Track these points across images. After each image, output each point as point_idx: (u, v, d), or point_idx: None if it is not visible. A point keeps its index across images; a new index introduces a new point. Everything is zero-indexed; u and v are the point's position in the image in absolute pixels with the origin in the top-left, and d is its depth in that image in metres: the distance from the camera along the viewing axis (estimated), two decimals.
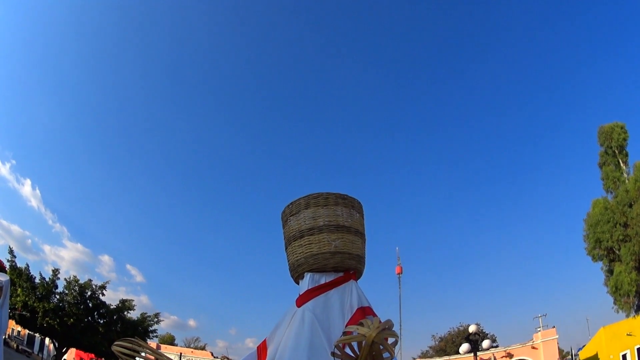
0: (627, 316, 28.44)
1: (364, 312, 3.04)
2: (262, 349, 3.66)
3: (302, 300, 3.34)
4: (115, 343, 3.70)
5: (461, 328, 54.31)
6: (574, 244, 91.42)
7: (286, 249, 3.47)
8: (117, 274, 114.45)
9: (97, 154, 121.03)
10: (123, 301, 29.40)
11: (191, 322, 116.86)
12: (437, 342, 57.50)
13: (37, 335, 55.34)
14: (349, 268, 3.30)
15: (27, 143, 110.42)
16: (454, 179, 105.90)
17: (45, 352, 52.80)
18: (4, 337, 13.38)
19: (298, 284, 3.47)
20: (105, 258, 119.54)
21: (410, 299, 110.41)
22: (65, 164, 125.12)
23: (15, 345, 48.29)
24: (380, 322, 2.11)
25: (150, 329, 30.01)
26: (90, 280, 28.26)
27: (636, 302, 27.21)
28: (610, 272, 28.05)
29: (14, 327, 55.60)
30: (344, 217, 3.29)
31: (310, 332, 3.24)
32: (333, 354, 2.45)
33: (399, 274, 55.30)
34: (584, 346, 49.53)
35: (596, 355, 43.26)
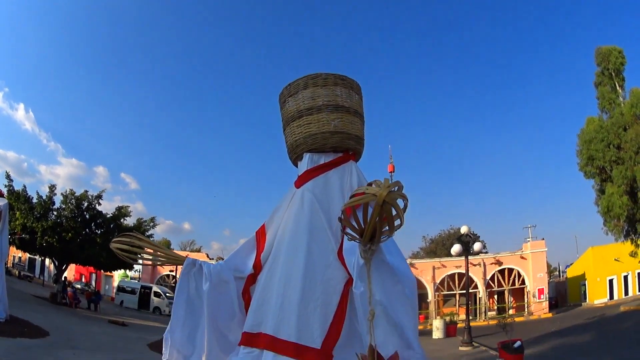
0: (616, 240, 28.78)
1: None
2: (260, 234, 3.65)
3: (301, 181, 3.31)
4: (114, 240, 3.67)
5: (451, 231, 55.76)
6: (566, 159, 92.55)
7: (284, 130, 3.41)
8: (112, 184, 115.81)
9: (86, 66, 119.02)
10: (119, 208, 29.24)
11: (186, 226, 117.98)
12: (427, 244, 59.03)
13: (37, 258, 56.19)
14: (348, 149, 3.25)
15: (18, 67, 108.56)
16: (450, 84, 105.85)
17: (46, 274, 53.51)
18: (4, 266, 13.62)
19: (297, 166, 3.43)
20: (100, 169, 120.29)
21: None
22: (56, 81, 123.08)
23: (16, 272, 48.15)
24: (390, 181, 2.02)
25: (147, 234, 30.17)
26: (86, 191, 28.05)
27: (625, 227, 27.43)
28: (601, 191, 28.08)
29: (14, 253, 56.20)
30: (343, 98, 3.21)
31: (310, 213, 3.22)
32: (339, 219, 2.40)
33: (391, 172, 55.78)
34: (571, 264, 50.84)
35: (583, 275, 44.47)
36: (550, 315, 37.96)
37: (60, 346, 11.87)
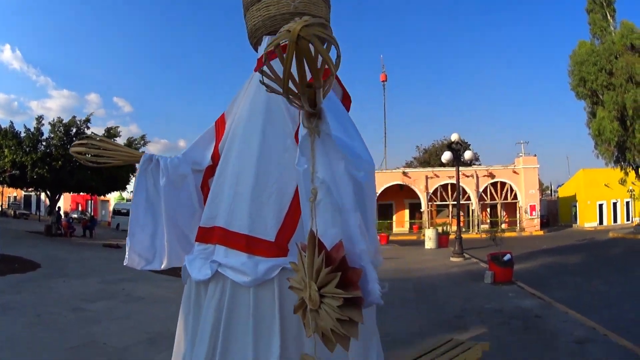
0: (606, 165, 29.24)
1: None
2: (220, 123, 3.51)
3: (259, 65, 3.05)
4: (72, 145, 3.52)
5: (445, 141, 54.72)
6: (560, 78, 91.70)
7: (245, 16, 3.20)
8: (105, 109, 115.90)
9: None
10: (108, 129, 28.85)
11: (181, 143, 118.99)
12: (421, 154, 58.83)
13: (32, 194, 56.36)
14: None
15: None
16: None
17: (42, 209, 53.72)
18: None
19: (257, 51, 3.21)
20: (92, 96, 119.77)
21: (395, 109, 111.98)
22: (40, 12, 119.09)
23: (12, 212, 48.70)
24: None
25: None
26: (74, 117, 27.70)
27: (615, 153, 27.70)
28: (593, 114, 28.37)
29: (10, 193, 56.42)
30: None
31: (267, 94, 2.96)
32: (260, 71, 1.92)
33: (383, 81, 55.29)
34: (563, 184, 51.40)
35: (574, 196, 45.07)
36: (541, 233, 38.65)
37: (51, 276, 12.19)
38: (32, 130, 25.86)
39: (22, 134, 25.83)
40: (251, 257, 3.01)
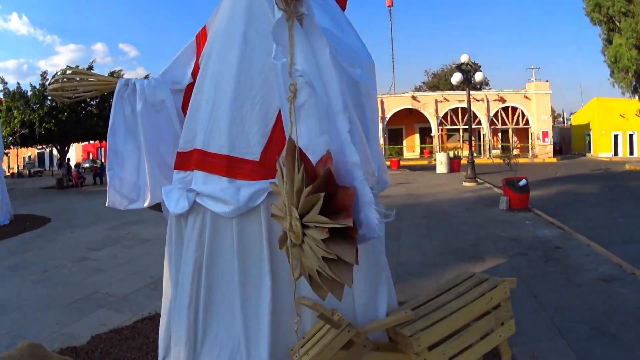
0: (623, 94, 28.07)
1: None
2: (201, 36, 3.10)
3: None
4: (49, 84, 3.12)
5: (454, 65, 53.74)
6: (572, 2, 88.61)
7: None
8: (112, 56, 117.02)
9: None
10: (111, 73, 28.44)
11: None
12: (430, 78, 57.71)
13: (45, 151, 56.61)
14: None
15: None
16: None
17: (55, 164, 54.41)
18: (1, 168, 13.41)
19: None
20: (98, 46, 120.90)
21: (403, 34, 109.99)
22: None
23: (27, 172, 49.43)
24: None
25: None
26: (77, 67, 27.02)
27: (633, 83, 26.50)
28: (608, 41, 26.96)
29: (24, 154, 57.02)
30: None
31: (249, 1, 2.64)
32: None
33: (389, 6, 53.35)
34: (576, 112, 50.23)
35: (588, 125, 43.98)
36: (554, 160, 37.89)
37: (60, 229, 12.14)
38: (37, 87, 25.47)
39: (29, 93, 25.60)
40: (233, 181, 2.62)
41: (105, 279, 7.07)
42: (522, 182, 12.26)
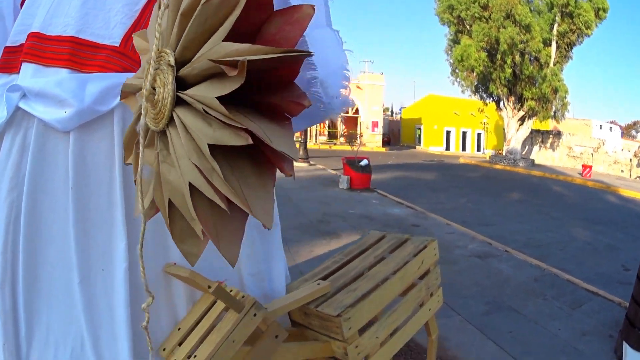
0: (463, 92, 30.06)
1: None
2: None
3: None
4: None
5: None
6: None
7: None
8: None
9: None
10: None
11: None
12: None
13: None
14: None
15: None
16: None
17: None
18: None
19: None
20: None
21: None
22: None
23: None
24: None
25: None
26: None
27: (476, 82, 28.50)
28: (455, 41, 28.80)
29: None
30: None
31: None
32: None
33: None
34: (407, 106, 53.49)
35: (420, 119, 46.89)
36: (384, 149, 39.10)
37: None
38: None
39: None
40: (75, 73, 1.61)
41: None
42: (364, 162, 12.15)
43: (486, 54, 26.77)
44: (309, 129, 41.33)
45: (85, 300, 1.81)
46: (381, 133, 42.66)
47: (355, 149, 14.59)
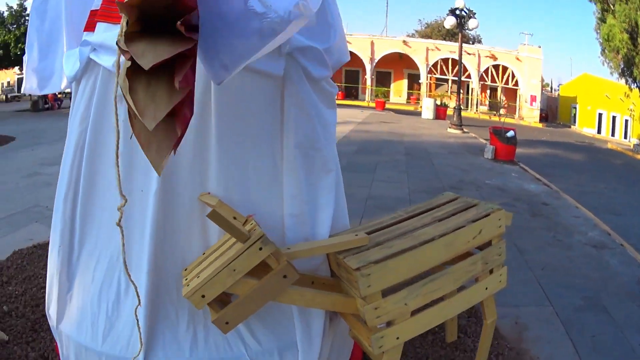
0: (611, 74, 27.32)
1: None
2: None
3: None
4: None
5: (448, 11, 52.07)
6: None
7: None
8: None
9: None
10: None
11: None
12: (423, 27, 55.45)
13: (24, 76, 54.80)
14: None
15: None
16: None
17: None
18: None
19: None
20: None
21: None
22: None
23: (4, 97, 47.04)
24: None
25: None
26: None
27: (622, 65, 25.72)
28: (602, 20, 26.24)
29: (2, 80, 54.91)
30: None
31: None
32: None
33: None
34: (564, 83, 49.58)
35: (575, 98, 43.37)
36: (540, 125, 37.12)
37: (22, 147, 11.35)
38: (14, 7, 24.87)
39: (5, 14, 24.91)
40: None
41: (50, 193, 6.28)
42: (510, 133, 11.46)
43: (628, 35, 24.03)
44: (469, 98, 40.82)
45: (125, 218, 1.92)
46: (539, 108, 40.09)
47: (501, 119, 13.83)
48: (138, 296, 1.81)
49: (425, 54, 39.64)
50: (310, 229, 2.14)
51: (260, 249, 1.77)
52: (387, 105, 30.98)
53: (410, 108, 34.91)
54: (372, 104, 32.23)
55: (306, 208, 2.13)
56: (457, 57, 19.35)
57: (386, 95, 39.76)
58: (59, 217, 2.29)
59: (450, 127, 17.94)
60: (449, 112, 23.47)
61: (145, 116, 1.08)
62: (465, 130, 17.89)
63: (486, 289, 2.28)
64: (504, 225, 2.29)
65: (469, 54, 38.14)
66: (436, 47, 39.99)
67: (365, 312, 1.88)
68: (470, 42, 40.19)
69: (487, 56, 39.74)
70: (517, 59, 39.22)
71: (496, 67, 39.95)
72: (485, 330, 2.47)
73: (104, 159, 2.18)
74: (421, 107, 26.72)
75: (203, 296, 1.80)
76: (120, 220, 1.55)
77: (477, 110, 37.02)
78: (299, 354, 2.11)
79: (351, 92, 39.75)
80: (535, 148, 16.75)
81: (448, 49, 38.49)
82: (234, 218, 1.96)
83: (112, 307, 2.12)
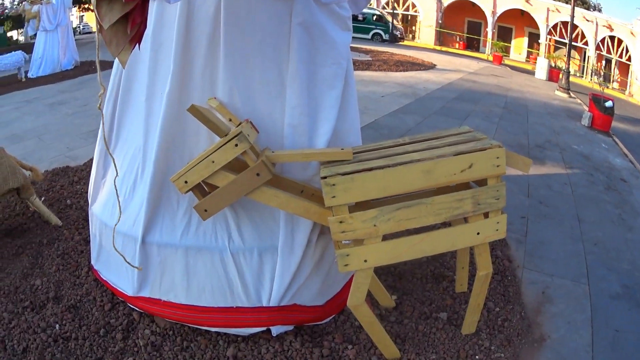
0: None
1: None
2: None
3: None
4: None
5: None
6: None
7: None
8: None
9: None
10: None
11: None
12: None
13: None
14: None
15: None
16: None
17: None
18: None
19: None
20: None
21: None
22: None
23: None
24: None
25: None
26: None
27: None
28: None
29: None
30: None
31: None
32: None
33: None
34: None
35: None
36: None
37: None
38: None
39: None
40: None
41: None
42: (609, 103, 10.70)
43: None
44: (585, 66, 37.75)
45: (146, 114, 2.37)
46: None
47: (602, 88, 12.87)
48: (116, 168, 2.04)
49: (546, 14, 37.56)
50: (307, 140, 2.20)
51: (236, 145, 1.89)
52: (505, 61, 29.74)
53: (528, 67, 33.23)
54: (491, 58, 31.10)
55: (305, 120, 2.19)
56: (577, 22, 18.09)
57: (506, 50, 38.01)
58: (108, 111, 2.62)
59: (557, 90, 17.26)
60: (561, 75, 22.32)
61: (104, 20, 1.42)
62: (572, 95, 17.04)
63: (478, 234, 2.12)
64: (503, 166, 2.09)
65: (587, 20, 35.66)
66: (557, 9, 37.58)
67: (330, 223, 1.95)
68: (591, 9, 37.42)
69: (604, 25, 36.67)
70: (632, 33, 35.76)
71: (612, 38, 36.82)
72: (477, 282, 2.29)
73: (138, 69, 2.43)
74: (535, 66, 25.52)
75: (186, 182, 1.98)
76: (100, 105, 1.73)
77: (591, 79, 34.53)
78: (278, 259, 2.22)
79: (472, 43, 38.36)
80: (636, 126, 15.52)
81: (568, 12, 35.78)
82: (230, 120, 2.11)
83: (129, 191, 2.44)
